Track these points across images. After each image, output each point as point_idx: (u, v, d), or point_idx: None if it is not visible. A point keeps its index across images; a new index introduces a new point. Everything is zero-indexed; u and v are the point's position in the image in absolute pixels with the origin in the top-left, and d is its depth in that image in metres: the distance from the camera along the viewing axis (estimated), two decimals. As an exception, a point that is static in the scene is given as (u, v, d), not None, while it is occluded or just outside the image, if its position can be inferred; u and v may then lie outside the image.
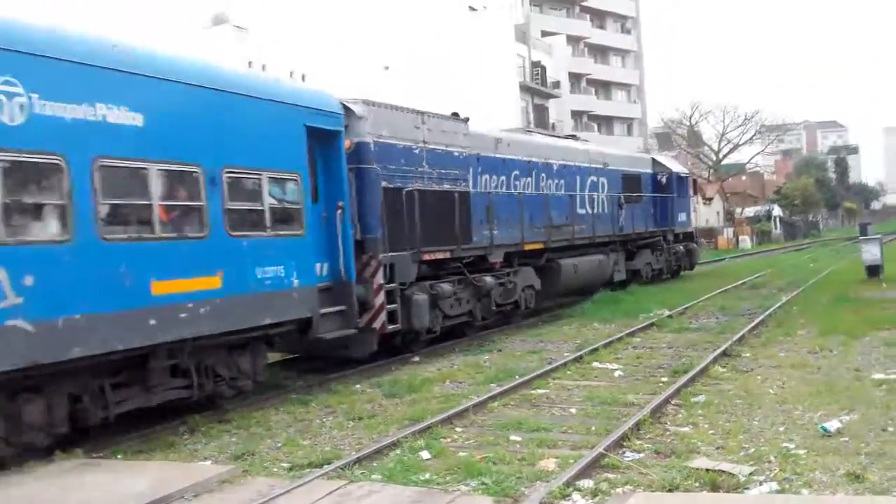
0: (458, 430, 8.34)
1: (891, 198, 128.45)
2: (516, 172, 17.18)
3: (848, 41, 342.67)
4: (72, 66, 7.74)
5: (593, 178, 21.01)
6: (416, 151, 13.74)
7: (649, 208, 24.88)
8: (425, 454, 7.35)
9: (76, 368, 7.76)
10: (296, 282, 10.23)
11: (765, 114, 67.36)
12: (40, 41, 7.59)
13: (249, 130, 9.75)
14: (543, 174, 18.42)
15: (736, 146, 68.79)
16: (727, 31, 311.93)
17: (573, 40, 62.42)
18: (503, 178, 16.70)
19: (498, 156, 16.61)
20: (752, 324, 14.79)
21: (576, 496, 6.14)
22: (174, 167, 8.72)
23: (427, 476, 6.75)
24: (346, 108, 11.87)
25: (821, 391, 9.17)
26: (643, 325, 15.67)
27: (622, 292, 20.73)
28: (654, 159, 27.49)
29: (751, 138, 69.33)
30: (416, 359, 13.05)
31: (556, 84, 54.41)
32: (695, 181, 34.85)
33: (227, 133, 9.44)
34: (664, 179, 26.31)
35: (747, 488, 6.15)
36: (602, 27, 68.55)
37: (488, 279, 15.27)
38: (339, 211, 11.19)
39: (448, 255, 14.26)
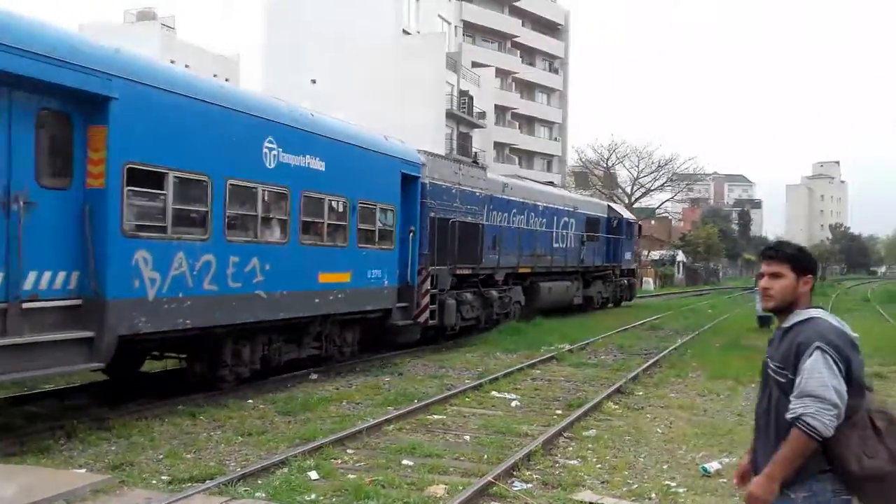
0: (350, 451, 8.24)
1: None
2: (514, 211, 21.70)
3: (766, 101, 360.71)
4: (296, 131, 11.81)
5: (566, 218, 25.97)
6: (454, 191, 17.92)
7: (603, 247, 30.07)
8: (314, 474, 7.22)
9: (270, 327, 11.68)
10: (386, 282, 14.58)
11: (678, 162, 69.83)
12: (286, 114, 11.77)
13: (371, 174, 14.03)
14: (532, 213, 23.09)
15: (648, 191, 71.04)
16: (651, 79, 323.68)
17: (502, 74, 63.47)
18: (506, 214, 21.17)
19: (504, 197, 21.09)
20: (648, 363, 15.22)
21: (460, 524, 6.13)
22: (337, 199, 13.00)
23: (313, 497, 6.63)
24: None
25: (705, 433, 9.48)
26: (544, 357, 15.91)
27: (526, 324, 21.03)
28: (609, 206, 32.71)
29: (662, 185, 71.78)
30: (314, 377, 12.87)
31: (482, 115, 55.16)
32: (640, 226, 39.78)
33: (360, 176, 13.64)
34: (616, 223, 31.49)
35: (627, 524, 6.28)
36: (531, 64, 70.03)
37: (494, 293, 19.90)
38: (412, 234, 15.46)
39: (470, 271, 18.55)
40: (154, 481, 7.04)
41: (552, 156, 71.97)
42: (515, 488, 7.07)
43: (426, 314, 15.82)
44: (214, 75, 35.57)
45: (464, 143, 50.89)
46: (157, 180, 9.26)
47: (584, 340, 18.90)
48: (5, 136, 7.71)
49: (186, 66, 36.50)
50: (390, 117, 35.34)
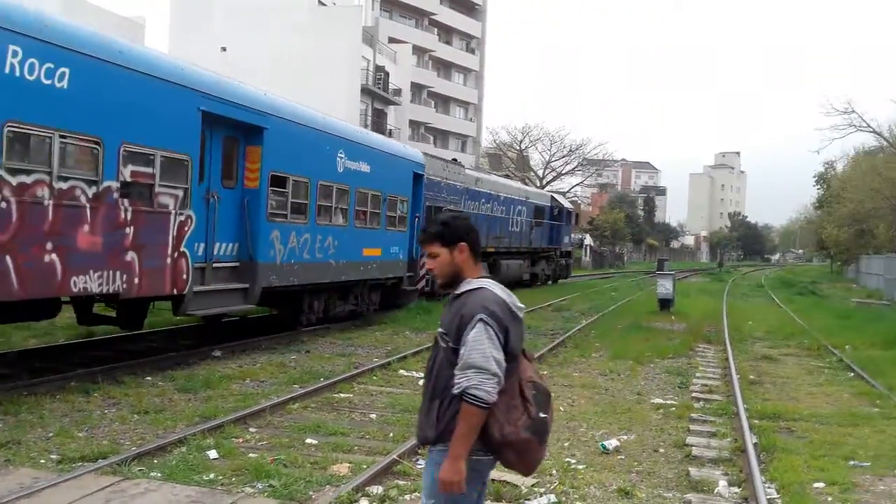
0: (253, 430, 8.07)
1: (689, 239, 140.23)
2: (483, 200, 26.99)
3: (674, 91, 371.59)
4: (355, 144, 16.43)
5: (520, 206, 31.32)
6: (442, 184, 22.91)
7: (547, 231, 35.73)
8: (213, 453, 7.04)
9: (332, 286, 16.06)
10: (401, 256, 19.27)
11: (588, 148, 71.30)
12: (350, 132, 16.74)
13: (395, 172, 18.74)
14: (496, 202, 28.33)
15: (559, 175, 72.38)
16: (564, 65, 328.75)
17: (419, 51, 63.17)
18: (477, 203, 26.33)
19: (475, 188, 26.44)
20: (553, 344, 15.53)
21: (363, 502, 6.10)
22: (376, 192, 17.48)
23: (211, 476, 6.46)
24: None
25: (605, 411, 9.75)
26: (453, 336, 15.98)
27: (437, 302, 21.11)
28: (552, 196, 38.64)
29: (573, 169, 73.26)
30: (218, 353, 12.56)
31: (398, 92, 54.78)
32: (577, 214, 45.58)
33: (389, 175, 18.19)
34: (557, 211, 36.96)
35: (528, 499, 6.37)
36: (448, 43, 69.94)
37: None
38: (417, 219, 20.23)
39: None
40: (42, 460, 6.72)
41: (467, 136, 72.28)
42: (419, 466, 7.07)
43: (423, 282, 20.52)
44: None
45: (378, 119, 50.44)
46: (283, 183, 13.57)
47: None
48: (208, 155, 11.72)
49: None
50: (304, 89, 34.60)
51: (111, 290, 9.72)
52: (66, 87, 8.83)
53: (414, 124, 61.21)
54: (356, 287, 17.29)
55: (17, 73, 8.28)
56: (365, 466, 6.85)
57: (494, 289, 3.34)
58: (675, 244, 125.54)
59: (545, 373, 12.44)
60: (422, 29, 65.28)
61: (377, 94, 50.57)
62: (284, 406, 9.07)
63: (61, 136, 8.84)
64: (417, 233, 18.63)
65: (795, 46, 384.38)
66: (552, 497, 6.45)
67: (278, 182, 13.33)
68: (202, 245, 11.59)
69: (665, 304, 23.85)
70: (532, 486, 6.64)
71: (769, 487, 6.78)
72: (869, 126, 40.77)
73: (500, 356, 3.17)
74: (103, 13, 37.14)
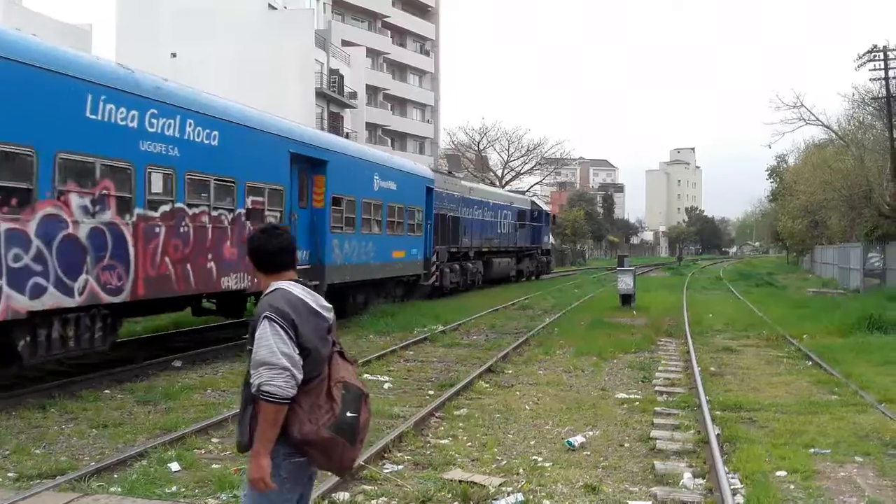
0: (215, 440, 7.94)
1: (648, 234, 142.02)
2: (475, 206, 31.20)
3: (628, 89, 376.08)
4: (386, 168, 20.68)
5: (506, 211, 36.04)
6: (444, 194, 26.94)
7: (530, 232, 40.22)
8: (175, 466, 6.91)
9: (370, 283, 19.88)
10: (419, 257, 23.54)
11: (546, 147, 71.76)
12: (384, 159, 21.64)
13: (414, 188, 23.03)
14: (486, 208, 32.87)
15: (518, 174, 72.75)
16: (520, 65, 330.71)
17: (373, 53, 62.95)
18: (471, 209, 30.54)
19: (470, 197, 30.56)
20: (517, 342, 15.57)
21: (330, 509, 6.03)
22: (401, 205, 21.46)
23: (174, 489, 6.34)
24: None
25: (570, 408, 9.79)
26: (417, 338, 15.97)
27: (399, 306, 21.07)
28: (532, 200, 43.35)
29: (532, 168, 73.68)
30: (178, 364, 12.35)
31: (353, 95, 54.49)
32: (554, 216, 52.00)
33: (409, 190, 22.44)
34: (536, 214, 41.57)
35: (496, 499, 6.36)
36: (402, 45, 69.78)
37: (469, 265, 30.27)
38: (429, 224, 24.74)
39: (456, 249, 28.36)
40: (-2, 480, 6.53)
41: (425, 138, 72.19)
42: (386, 470, 7.03)
43: (434, 278, 25.23)
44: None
45: (335, 123, 50.14)
46: (339, 202, 17.50)
47: (457, 321, 19.11)
48: (290, 183, 15.10)
49: (33, 34, 33.90)
50: (258, 95, 34.22)
51: (241, 287, 13.46)
52: (216, 145, 12.59)
53: (371, 127, 60.98)
54: (387, 283, 21.57)
55: (191, 138, 11.98)
56: (330, 473, 6.76)
57: (291, 289, 3.36)
58: (634, 240, 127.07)
59: (510, 372, 12.47)
60: (375, 31, 65.06)
61: (332, 98, 50.27)
62: (247, 415, 8.92)
63: (215, 180, 12.69)
64: (429, 236, 24.53)
65: (744, 40, 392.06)
66: (519, 496, 6.44)
67: (336, 202, 17.35)
68: None
69: (626, 299, 24.07)
70: (499, 485, 6.64)
71: (732, 478, 6.86)
72: (818, 120, 41.67)
73: (290, 351, 3.17)
74: (47, 21, 36.31)
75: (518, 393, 10.79)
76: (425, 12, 73.24)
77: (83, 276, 9.79)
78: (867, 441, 8.23)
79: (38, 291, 9.09)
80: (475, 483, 6.61)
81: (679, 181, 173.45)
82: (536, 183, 76.77)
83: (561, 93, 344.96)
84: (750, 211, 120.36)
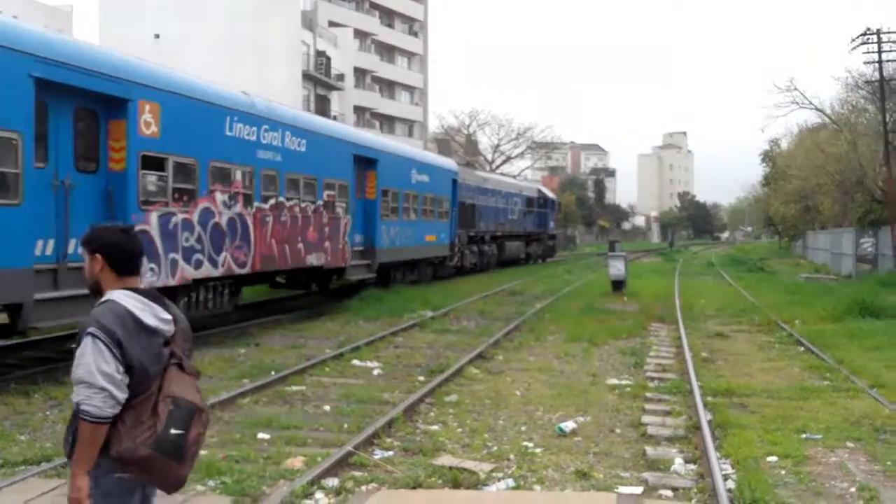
0: (202, 426, 7.83)
1: (639, 219, 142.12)
2: (489, 194, 34.83)
3: (620, 72, 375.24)
4: (422, 164, 25.32)
5: (515, 198, 39.88)
6: (464, 185, 30.13)
7: (536, 217, 44.00)
8: (161, 452, 6.80)
9: (407, 262, 23.87)
10: (446, 241, 26.86)
11: (536, 130, 71.62)
12: (419, 155, 27.51)
13: (443, 180, 26.84)
14: (499, 196, 36.35)
15: (508, 158, 72.61)
16: (510, 47, 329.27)
17: (361, 35, 62.28)
18: (486, 197, 34.21)
19: (485, 186, 34.41)
20: (508, 328, 15.52)
21: (319, 495, 5.97)
22: (432, 195, 25.38)
23: (160, 476, 6.23)
24: None
25: (561, 394, 9.74)
26: (407, 324, 15.89)
27: (389, 291, 20.97)
28: (539, 188, 47.05)
29: (522, 152, 73.55)
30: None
31: (341, 77, 54.03)
32: (559, 203, 56.39)
33: (439, 181, 26.31)
34: (543, 200, 45.29)
35: (486, 485, 6.31)
36: (391, 26, 69.07)
37: (485, 247, 34.03)
38: (454, 211, 27.89)
39: (474, 233, 32.10)
40: (-19, 467, 6.43)
41: (413, 121, 71.70)
42: (376, 456, 6.97)
43: (456, 259, 28.50)
44: (45, 26, 32.87)
45: (322, 105, 49.73)
46: (387, 193, 20.92)
47: (447, 307, 19.04)
48: (352, 179, 18.92)
49: (14, 16, 33.46)
50: (244, 76, 33.93)
51: (320, 263, 16.94)
52: (304, 150, 16.16)
53: (359, 110, 60.51)
54: (420, 263, 25.05)
55: (288, 146, 15.55)
56: (320, 459, 6.71)
57: (124, 300, 3.13)
58: (626, 225, 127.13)
59: (500, 358, 12.41)
60: (363, 12, 64.29)
61: (319, 80, 49.82)
62: (235, 401, 8.86)
63: (304, 178, 16.20)
64: (454, 221, 27.86)
65: (738, 25, 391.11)
66: (510, 481, 6.40)
67: (384, 193, 20.77)
68: (352, 237, 18.81)
69: (618, 285, 23.98)
70: (490, 471, 6.59)
71: (724, 463, 6.83)
72: (811, 103, 41.68)
73: (112, 370, 3.01)
74: (29, 3, 35.82)
75: (509, 379, 10.74)
76: (413, -8, 72.52)
77: (224, 253, 13.28)
78: (858, 426, 8.22)
79: (198, 264, 12.50)
80: (465, 469, 6.56)
81: (671, 165, 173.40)
82: (527, 167, 76.65)
83: (552, 76, 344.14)
84: (742, 196, 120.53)
